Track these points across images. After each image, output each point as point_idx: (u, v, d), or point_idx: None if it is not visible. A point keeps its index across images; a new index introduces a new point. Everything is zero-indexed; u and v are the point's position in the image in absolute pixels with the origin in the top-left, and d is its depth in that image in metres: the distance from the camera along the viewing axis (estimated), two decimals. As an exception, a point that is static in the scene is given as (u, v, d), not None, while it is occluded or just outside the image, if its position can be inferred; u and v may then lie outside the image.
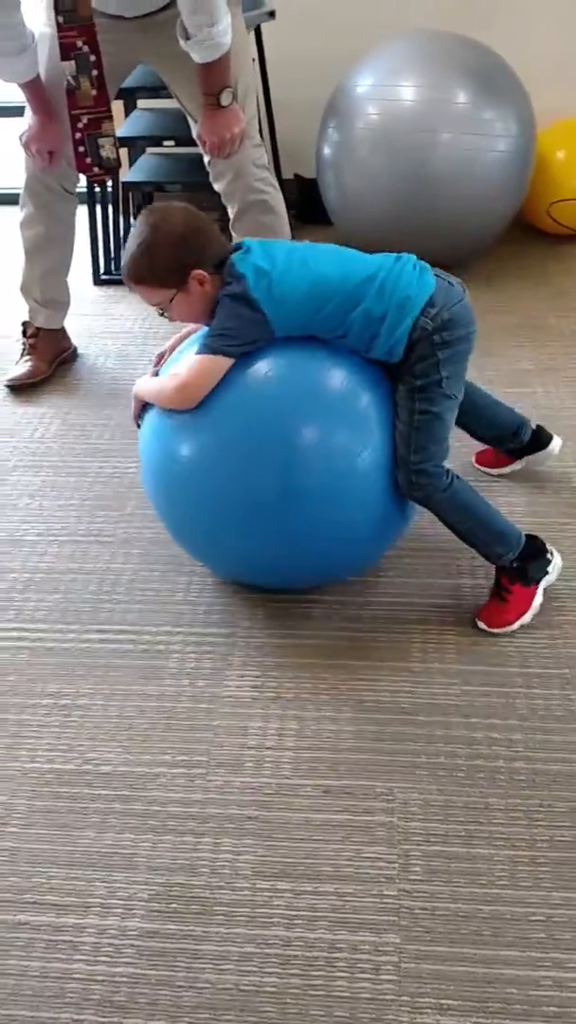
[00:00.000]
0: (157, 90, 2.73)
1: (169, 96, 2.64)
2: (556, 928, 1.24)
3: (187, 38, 1.90)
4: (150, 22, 2.05)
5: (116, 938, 1.25)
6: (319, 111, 2.89)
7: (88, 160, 2.12)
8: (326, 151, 2.82)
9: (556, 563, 1.71)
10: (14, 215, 2.37)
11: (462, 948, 1.22)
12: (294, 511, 1.55)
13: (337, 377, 1.57)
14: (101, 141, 2.11)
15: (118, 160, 2.18)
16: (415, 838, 1.34)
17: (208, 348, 1.54)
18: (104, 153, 2.13)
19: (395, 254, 1.59)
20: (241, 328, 1.53)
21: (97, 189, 2.80)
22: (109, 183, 2.73)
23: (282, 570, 1.69)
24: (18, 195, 2.32)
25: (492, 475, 2.02)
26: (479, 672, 1.59)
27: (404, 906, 1.27)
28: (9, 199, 3.39)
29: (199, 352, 1.55)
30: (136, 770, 1.46)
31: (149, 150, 3.10)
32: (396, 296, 1.52)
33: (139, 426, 1.72)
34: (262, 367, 1.56)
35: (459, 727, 1.50)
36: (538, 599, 1.68)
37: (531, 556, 1.67)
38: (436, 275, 1.58)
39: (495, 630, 1.66)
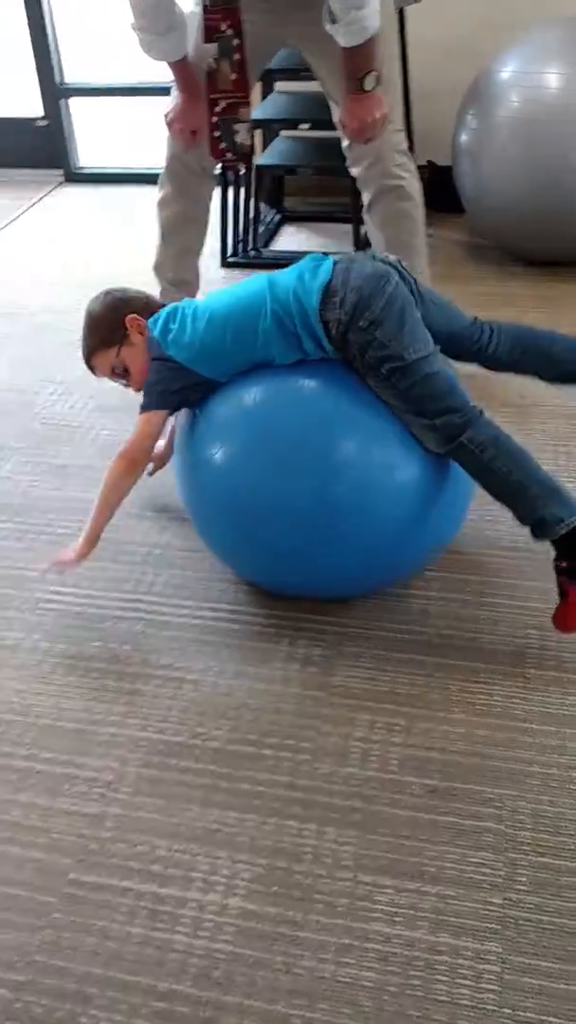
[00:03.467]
0: (297, 72, 2.73)
1: (307, 79, 2.64)
2: None
3: (333, 21, 1.88)
4: (298, 4, 2.03)
5: (217, 915, 1.26)
6: (458, 97, 2.83)
7: (222, 146, 2.12)
8: (463, 138, 2.76)
9: None
10: (152, 195, 2.40)
11: (569, 966, 1.18)
12: (327, 519, 1.53)
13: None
14: (236, 127, 2.11)
15: (252, 147, 2.18)
16: (523, 847, 1.31)
17: (141, 409, 1.65)
18: (238, 139, 2.12)
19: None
20: (162, 379, 1.63)
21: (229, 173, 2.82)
22: (242, 168, 2.73)
23: (311, 577, 1.65)
24: (157, 175, 2.35)
25: None
26: (598, 684, 1.54)
27: (509, 916, 1.24)
28: (149, 179, 3.48)
29: (141, 413, 1.65)
30: (243, 749, 1.47)
31: (283, 133, 3.10)
32: (292, 292, 1.55)
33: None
34: (297, 381, 1.57)
35: (574, 738, 1.46)
36: None
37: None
38: (336, 261, 1.58)
39: (569, 633, 1.56)
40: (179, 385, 1.63)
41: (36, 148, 3.79)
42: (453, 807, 1.37)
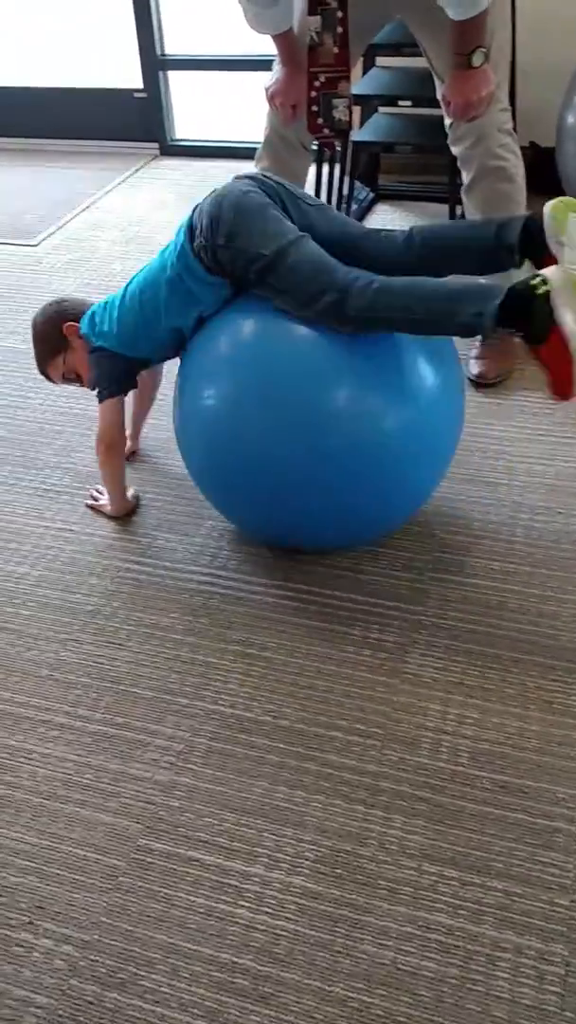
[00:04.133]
0: (399, 47, 2.67)
1: (410, 55, 2.59)
2: None
3: None
4: None
5: (280, 892, 1.27)
6: (565, 76, 2.74)
7: (320, 121, 2.09)
8: (570, 119, 2.67)
9: (554, 277, 1.41)
10: (246, 169, 2.39)
11: None
12: (314, 468, 1.56)
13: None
14: (335, 102, 2.07)
15: (350, 123, 2.14)
16: (594, 852, 1.29)
17: (99, 400, 1.82)
18: (337, 115, 2.09)
19: None
20: (103, 371, 1.81)
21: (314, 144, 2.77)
22: (338, 144, 2.69)
23: (304, 527, 1.70)
24: (252, 150, 2.33)
25: None
26: None
27: (576, 919, 1.22)
28: (243, 153, 3.47)
29: (99, 404, 1.82)
30: (312, 729, 1.48)
31: (382, 109, 3.04)
32: (170, 245, 1.69)
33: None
34: (288, 326, 1.57)
35: None
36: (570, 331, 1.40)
37: (518, 306, 1.42)
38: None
39: (567, 399, 1.47)
40: (120, 370, 1.80)
41: (133, 120, 3.81)
42: (524, 804, 1.35)
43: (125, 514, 1.93)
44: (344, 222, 1.73)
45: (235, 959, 1.20)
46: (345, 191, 2.98)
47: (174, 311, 1.69)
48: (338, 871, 1.29)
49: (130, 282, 1.79)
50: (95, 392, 1.83)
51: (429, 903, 1.25)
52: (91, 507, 1.97)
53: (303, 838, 1.33)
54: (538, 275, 1.44)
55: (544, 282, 1.42)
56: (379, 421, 1.55)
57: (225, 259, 1.58)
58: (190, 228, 1.62)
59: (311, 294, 1.51)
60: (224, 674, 1.58)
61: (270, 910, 1.25)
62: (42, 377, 1.97)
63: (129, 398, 1.89)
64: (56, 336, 1.87)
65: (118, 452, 1.87)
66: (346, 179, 2.97)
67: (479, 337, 1.68)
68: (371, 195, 3.23)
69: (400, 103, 2.80)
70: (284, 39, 2.07)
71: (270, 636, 1.64)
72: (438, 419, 1.62)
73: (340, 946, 1.21)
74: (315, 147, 2.31)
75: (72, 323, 1.85)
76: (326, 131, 2.12)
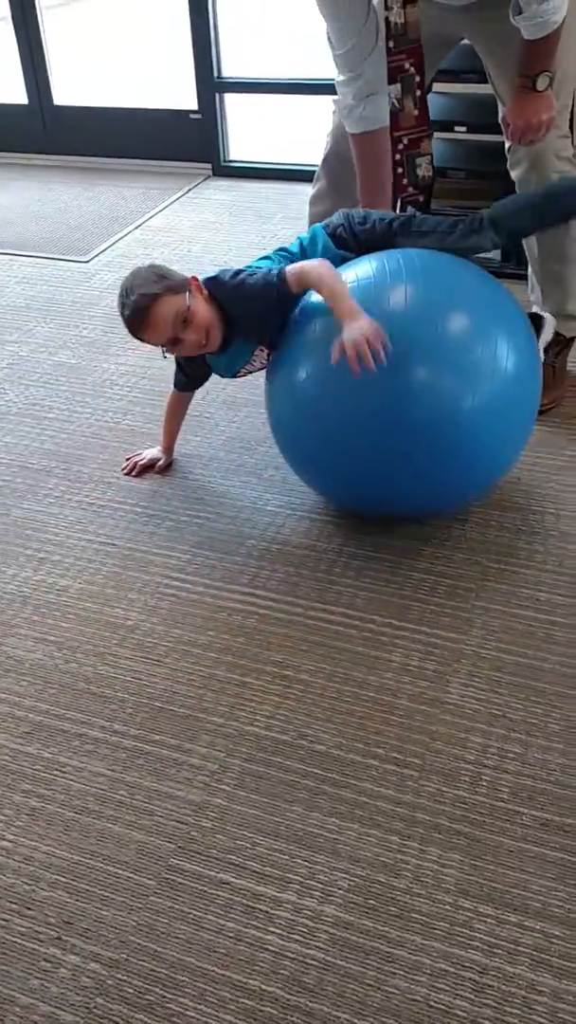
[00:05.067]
0: (457, 73, 2.67)
1: (468, 81, 2.59)
2: None
3: (518, 12, 1.83)
4: (475, 5, 2.00)
5: (311, 920, 1.25)
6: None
7: (404, 181, 2.12)
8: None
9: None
10: (298, 192, 2.41)
11: None
12: (398, 439, 1.68)
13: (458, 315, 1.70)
14: (418, 160, 2.12)
15: (433, 178, 2.17)
16: None
17: (280, 275, 1.75)
18: (420, 172, 2.13)
19: None
20: (257, 282, 1.79)
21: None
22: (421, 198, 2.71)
23: (387, 492, 1.79)
24: (304, 171, 2.35)
25: None
26: None
27: (616, 966, 1.18)
28: (296, 175, 3.50)
29: (292, 271, 1.75)
30: (348, 756, 1.46)
31: (437, 135, 3.04)
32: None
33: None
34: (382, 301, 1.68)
35: None
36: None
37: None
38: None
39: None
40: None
41: (188, 140, 3.85)
42: (565, 844, 1.31)
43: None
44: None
45: (264, 986, 1.18)
46: (398, 213, 2.98)
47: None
48: (371, 902, 1.26)
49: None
50: (274, 276, 1.76)
51: (464, 940, 1.22)
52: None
53: (336, 866, 1.31)
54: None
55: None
56: (457, 396, 1.67)
57: (364, 234, 1.83)
58: (328, 230, 1.87)
59: (449, 224, 1.82)
60: (260, 695, 1.57)
61: (300, 938, 1.23)
62: (93, 391, 1.97)
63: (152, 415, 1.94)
64: (180, 279, 1.81)
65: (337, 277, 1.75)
66: (399, 203, 2.98)
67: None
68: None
69: (456, 128, 2.81)
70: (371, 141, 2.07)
71: (308, 658, 1.63)
72: (513, 396, 1.74)
73: (371, 979, 1.18)
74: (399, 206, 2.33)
75: (195, 277, 1.83)
76: (410, 190, 2.15)
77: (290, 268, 1.75)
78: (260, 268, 1.81)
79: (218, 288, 1.80)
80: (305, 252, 1.86)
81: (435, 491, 1.79)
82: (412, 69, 1.99)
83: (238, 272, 1.80)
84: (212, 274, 1.82)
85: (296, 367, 1.75)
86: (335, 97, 2.04)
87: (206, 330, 1.78)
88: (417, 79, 2.01)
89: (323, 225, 1.88)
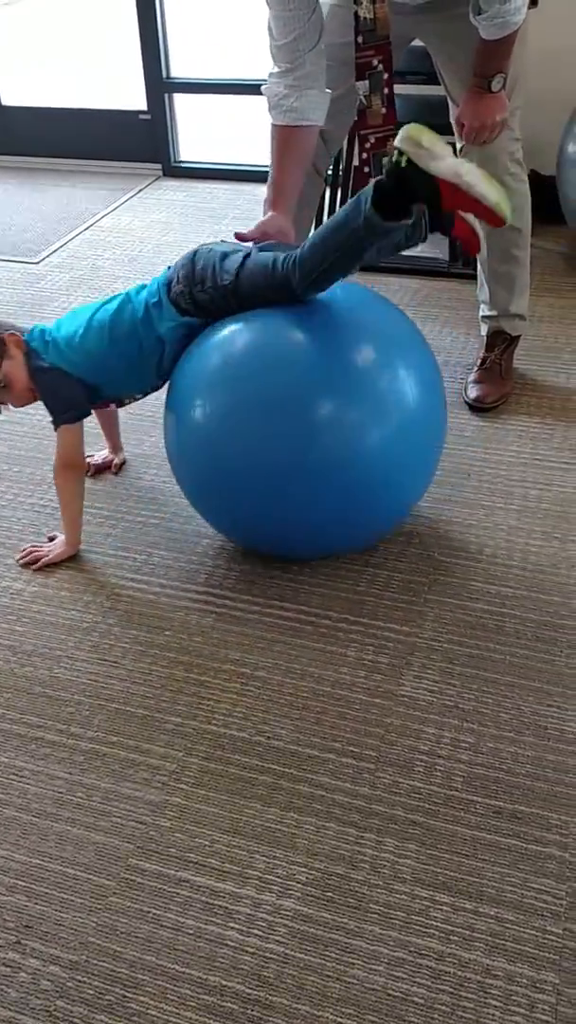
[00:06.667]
0: (404, 75, 2.70)
1: (416, 83, 2.62)
2: None
3: (478, 13, 1.85)
4: (431, 5, 2.00)
5: (270, 914, 1.26)
6: (568, 107, 2.78)
7: (372, 179, 2.12)
8: (571, 148, 2.71)
9: (400, 144, 1.52)
10: (248, 192, 2.41)
11: (628, 1006, 1.15)
12: (300, 478, 1.62)
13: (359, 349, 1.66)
14: (385, 160, 2.11)
15: None
16: (587, 879, 1.28)
17: (58, 425, 1.82)
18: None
19: None
20: (61, 396, 1.81)
21: (328, 171, 2.80)
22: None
23: (291, 536, 1.75)
24: (255, 172, 2.35)
25: None
26: None
27: (568, 947, 1.21)
28: (246, 176, 3.50)
29: (56, 429, 1.83)
30: (305, 751, 1.47)
31: (384, 135, 3.08)
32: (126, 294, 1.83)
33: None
34: (282, 338, 1.66)
35: None
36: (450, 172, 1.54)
37: (397, 186, 1.54)
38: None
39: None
40: (78, 395, 1.81)
41: (137, 141, 3.84)
42: (517, 830, 1.34)
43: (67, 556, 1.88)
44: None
45: (224, 982, 1.19)
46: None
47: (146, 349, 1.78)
48: (329, 894, 1.28)
49: (94, 312, 1.82)
50: (53, 417, 1.82)
51: (420, 928, 1.24)
52: (33, 564, 1.86)
53: (294, 860, 1.32)
54: (388, 153, 1.57)
55: (400, 153, 1.52)
56: (362, 434, 1.62)
57: (200, 299, 1.71)
58: (167, 282, 1.75)
59: (274, 289, 1.65)
60: (218, 694, 1.57)
61: (260, 933, 1.24)
62: None
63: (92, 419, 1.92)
64: None
65: (81, 474, 1.89)
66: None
67: (476, 360, 1.82)
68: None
69: (403, 130, 2.83)
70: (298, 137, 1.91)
71: (265, 656, 1.64)
72: (418, 433, 1.70)
73: (330, 970, 1.20)
74: (328, 173, 2.33)
75: (13, 332, 1.83)
76: (373, 140, 2.12)
77: (61, 429, 1.81)
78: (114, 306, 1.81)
79: (34, 358, 1.82)
80: (150, 315, 1.76)
81: (340, 531, 1.73)
82: (380, 66, 1.95)
83: (51, 367, 1.80)
84: (40, 333, 1.84)
85: (192, 403, 1.69)
86: (264, 86, 1.98)
87: (30, 391, 1.83)
88: (385, 76, 1.97)
89: (165, 282, 1.76)
